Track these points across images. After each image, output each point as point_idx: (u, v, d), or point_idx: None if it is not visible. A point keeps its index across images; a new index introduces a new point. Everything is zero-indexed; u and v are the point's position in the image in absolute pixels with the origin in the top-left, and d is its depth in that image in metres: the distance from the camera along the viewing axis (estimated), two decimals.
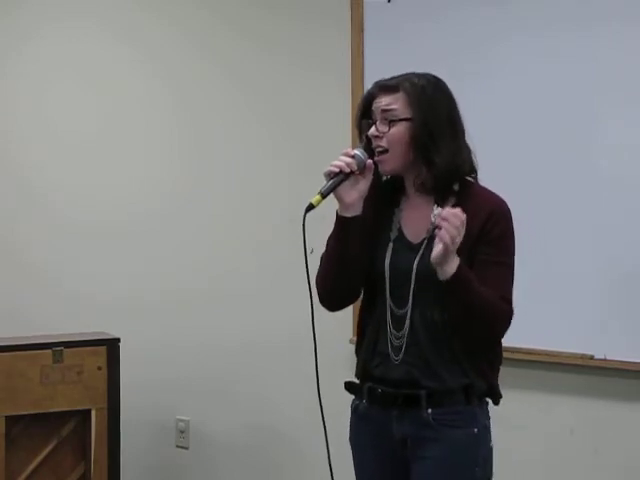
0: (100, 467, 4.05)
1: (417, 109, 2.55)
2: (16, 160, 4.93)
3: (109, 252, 4.69)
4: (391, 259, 2.60)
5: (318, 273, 2.64)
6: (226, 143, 4.41)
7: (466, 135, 2.64)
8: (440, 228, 2.43)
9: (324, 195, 2.52)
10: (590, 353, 3.49)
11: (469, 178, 2.63)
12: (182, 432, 4.55)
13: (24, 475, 4.00)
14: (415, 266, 2.56)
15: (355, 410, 2.71)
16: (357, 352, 2.71)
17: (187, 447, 4.55)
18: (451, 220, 2.41)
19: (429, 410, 2.56)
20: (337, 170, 2.53)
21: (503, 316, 2.57)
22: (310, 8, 4.16)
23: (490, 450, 2.65)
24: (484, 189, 2.62)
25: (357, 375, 2.71)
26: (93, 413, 4.06)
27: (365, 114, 2.62)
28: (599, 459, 3.56)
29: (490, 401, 2.69)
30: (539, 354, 3.59)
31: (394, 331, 2.60)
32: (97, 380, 4.02)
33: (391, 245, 2.61)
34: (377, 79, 3.87)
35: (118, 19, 4.68)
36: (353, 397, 2.71)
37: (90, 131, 4.74)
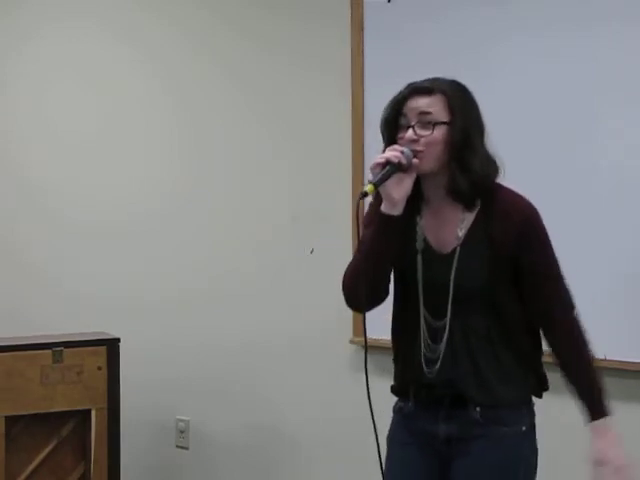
0: (100, 467, 4.06)
1: (455, 112, 2.51)
2: (16, 160, 4.94)
3: (109, 252, 4.69)
4: (424, 272, 2.56)
5: (348, 272, 2.58)
6: (226, 143, 4.41)
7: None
8: None
9: (377, 184, 2.46)
10: None
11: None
12: (182, 432, 4.55)
13: (24, 475, 4.01)
14: (452, 279, 2.52)
15: (399, 410, 2.69)
16: (395, 361, 2.70)
17: (187, 447, 4.56)
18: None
19: (477, 409, 2.56)
20: (384, 162, 2.46)
21: (588, 342, 2.65)
22: (310, 8, 4.16)
23: (535, 449, 2.68)
24: (509, 193, 2.58)
25: (397, 379, 2.70)
26: (93, 413, 4.06)
27: (395, 117, 2.55)
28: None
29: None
30: None
31: (431, 343, 2.58)
32: (97, 380, 4.02)
33: (420, 257, 2.57)
34: (377, 79, 3.92)
35: (118, 19, 4.68)
36: (397, 399, 2.71)
37: (90, 131, 4.75)
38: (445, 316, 2.54)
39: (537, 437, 2.68)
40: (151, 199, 4.61)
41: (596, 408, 2.63)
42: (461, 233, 2.53)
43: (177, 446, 4.56)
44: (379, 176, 2.46)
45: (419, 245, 2.57)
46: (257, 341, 4.31)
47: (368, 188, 2.46)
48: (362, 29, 3.94)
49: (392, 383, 2.71)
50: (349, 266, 2.59)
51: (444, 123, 2.50)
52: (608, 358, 3.46)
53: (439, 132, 2.49)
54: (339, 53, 4.01)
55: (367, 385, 2.55)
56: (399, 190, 2.48)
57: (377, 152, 3.96)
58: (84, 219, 4.74)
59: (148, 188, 4.62)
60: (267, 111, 4.30)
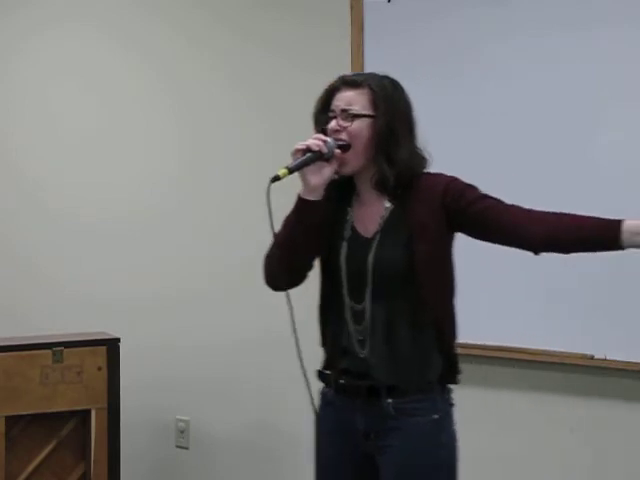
0: (100, 467, 4.05)
1: (380, 106, 2.58)
2: (16, 159, 4.93)
3: (109, 252, 4.68)
4: (347, 256, 2.64)
5: (268, 252, 2.67)
6: (226, 144, 4.41)
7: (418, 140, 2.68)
8: None
9: (291, 170, 2.55)
10: (590, 353, 3.50)
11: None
12: (182, 432, 4.55)
13: (24, 475, 4.00)
14: (371, 263, 2.60)
15: (324, 396, 2.75)
16: (323, 345, 2.76)
17: (187, 447, 4.55)
18: None
19: (389, 400, 2.61)
20: (304, 148, 2.56)
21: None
22: (310, 8, 4.16)
23: (453, 434, 2.69)
24: (431, 173, 2.67)
25: (324, 365, 2.75)
26: (93, 413, 4.05)
27: (325, 108, 2.65)
28: (599, 459, 3.57)
29: (451, 388, 2.73)
30: (539, 354, 3.59)
31: (355, 325, 2.64)
32: (97, 380, 4.02)
33: (345, 243, 2.65)
34: None
35: (117, 19, 4.67)
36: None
37: (90, 131, 4.74)
38: (364, 299, 2.61)
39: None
40: (151, 199, 4.60)
41: (611, 220, 2.54)
42: (382, 219, 2.62)
43: (177, 446, 4.56)
44: (296, 162, 2.56)
45: (346, 233, 2.66)
46: (258, 340, 4.31)
47: (281, 172, 2.55)
48: (362, 29, 3.94)
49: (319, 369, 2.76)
50: (269, 249, 2.67)
51: (366, 116, 2.58)
52: (608, 358, 3.47)
53: (360, 124, 2.58)
54: (339, 53, 4.00)
55: (300, 358, 2.60)
56: (317, 177, 2.57)
57: None
58: (84, 219, 4.74)
59: (148, 188, 4.61)
60: (267, 111, 4.30)
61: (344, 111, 2.60)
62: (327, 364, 2.74)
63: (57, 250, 4.82)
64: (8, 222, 4.95)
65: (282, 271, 2.61)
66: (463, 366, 3.73)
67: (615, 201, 3.45)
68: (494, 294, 3.66)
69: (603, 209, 3.45)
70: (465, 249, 3.73)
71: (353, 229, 2.66)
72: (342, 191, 2.68)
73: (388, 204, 2.62)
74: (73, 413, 4.05)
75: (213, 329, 4.45)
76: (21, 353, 3.95)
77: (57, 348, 3.98)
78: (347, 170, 2.62)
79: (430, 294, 2.61)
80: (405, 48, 3.85)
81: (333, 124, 2.60)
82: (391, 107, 2.59)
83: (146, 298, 4.60)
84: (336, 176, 2.64)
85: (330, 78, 4.09)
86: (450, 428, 2.69)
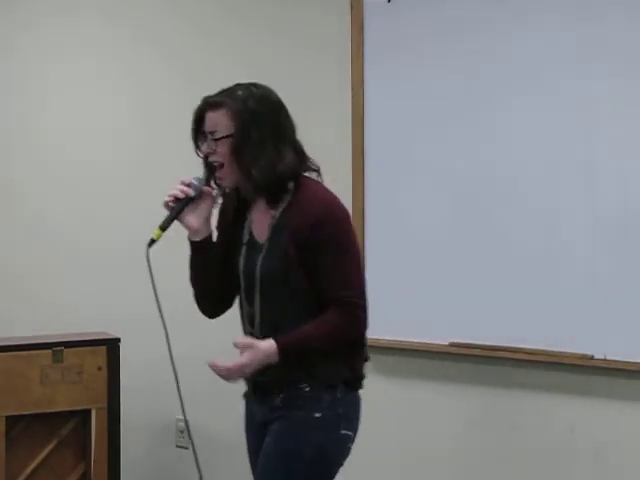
0: (100, 467, 4.06)
1: (238, 124, 2.67)
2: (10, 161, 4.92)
3: (109, 251, 4.68)
4: (244, 260, 2.76)
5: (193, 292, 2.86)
6: None
7: (297, 136, 2.76)
8: None
9: (163, 228, 2.68)
10: (590, 353, 3.49)
11: (310, 175, 2.76)
12: (182, 432, 4.54)
13: (24, 475, 4.01)
14: (259, 266, 2.71)
15: (245, 394, 2.91)
16: None
17: (187, 447, 4.55)
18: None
19: (281, 395, 2.73)
20: (172, 199, 2.69)
21: (349, 328, 2.69)
22: (310, 8, 4.16)
23: (336, 439, 2.72)
24: (310, 190, 2.72)
25: None
26: (93, 413, 4.06)
27: (198, 128, 2.74)
28: (599, 459, 3.56)
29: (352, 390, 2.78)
30: (539, 354, 3.59)
31: (249, 327, 2.79)
32: (97, 380, 4.02)
33: (244, 248, 2.77)
34: (377, 79, 3.92)
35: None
36: None
37: (90, 132, 4.73)
38: (254, 303, 2.74)
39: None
40: (152, 198, 4.59)
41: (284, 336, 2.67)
42: (270, 227, 2.72)
43: (177, 446, 4.56)
44: (165, 219, 2.69)
45: (244, 238, 2.78)
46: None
47: (155, 234, 2.70)
48: (362, 29, 3.94)
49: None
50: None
51: (227, 137, 2.67)
52: (608, 358, 3.47)
53: (224, 146, 2.68)
54: (339, 52, 4.00)
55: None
56: (196, 218, 2.73)
57: (377, 152, 4.00)
58: (85, 220, 4.73)
59: (148, 185, 4.60)
60: None
61: (211, 133, 2.69)
62: None
63: (57, 251, 4.81)
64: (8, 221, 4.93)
65: (212, 303, 2.84)
66: (463, 366, 3.75)
67: (615, 197, 3.45)
68: (494, 294, 3.66)
69: (602, 204, 3.48)
70: (465, 249, 3.74)
71: (251, 234, 2.77)
72: (242, 200, 2.79)
73: (273, 211, 2.71)
74: (73, 413, 4.06)
75: (213, 329, 4.44)
76: (21, 353, 3.95)
77: (57, 348, 3.98)
78: (227, 185, 2.74)
79: (310, 300, 2.68)
80: (405, 48, 3.84)
81: (204, 148, 2.71)
82: (248, 121, 2.67)
83: (146, 297, 4.59)
84: (227, 190, 2.77)
85: (330, 78, 4.13)
86: (333, 432, 2.72)
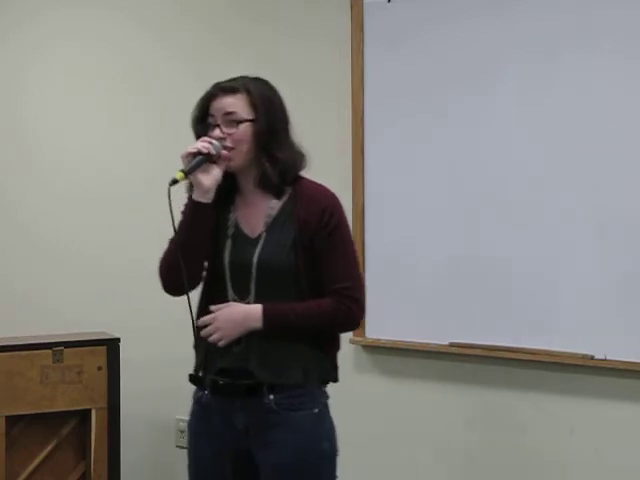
0: (100, 467, 4.06)
1: (260, 109, 2.68)
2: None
3: (109, 252, 4.68)
4: (231, 253, 2.72)
5: (164, 261, 2.75)
6: None
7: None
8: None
9: (187, 172, 2.65)
10: (590, 353, 3.49)
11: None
12: (182, 432, 4.54)
13: (24, 475, 4.01)
14: (255, 259, 2.67)
15: (199, 401, 2.78)
16: (196, 346, 2.77)
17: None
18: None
19: (271, 397, 2.66)
20: (195, 151, 2.64)
21: (339, 319, 2.69)
22: (310, 9, 4.16)
23: (332, 425, 2.75)
24: (313, 183, 2.75)
25: (197, 368, 2.78)
26: (93, 413, 4.06)
27: (203, 115, 2.72)
28: (599, 459, 3.56)
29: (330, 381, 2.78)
30: (539, 354, 3.59)
31: None
32: (97, 380, 4.02)
33: (229, 241, 2.73)
34: (377, 79, 3.92)
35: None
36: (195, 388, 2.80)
37: (92, 134, 4.73)
38: (249, 295, 2.68)
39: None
40: (153, 198, 4.59)
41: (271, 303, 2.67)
42: (269, 219, 2.70)
43: (177, 446, 4.56)
44: (190, 165, 2.65)
45: (230, 231, 2.74)
46: None
47: (178, 175, 2.65)
48: (362, 29, 3.94)
49: (191, 372, 2.79)
50: (164, 254, 2.75)
51: (248, 120, 2.67)
52: (608, 358, 3.47)
53: (244, 129, 2.67)
54: (339, 53, 4.00)
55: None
56: (209, 179, 2.67)
57: (377, 151, 4.00)
58: (85, 219, 4.73)
59: (149, 186, 4.60)
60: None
61: (227, 116, 2.67)
62: (200, 366, 2.77)
63: (58, 250, 4.81)
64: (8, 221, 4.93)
65: (180, 275, 2.66)
66: (463, 366, 3.75)
67: (615, 198, 3.46)
68: (494, 294, 3.66)
69: (602, 204, 3.48)
70: (465, 249, 3.74)
71: (237, 227, 2.74)
72: (224, 192, 2.74)
73: (276, 202, 2.70)
74: (73, 413, 4.06)
75: None
76: (21, 353, 3.95)
77: (57, 348, 3.98)
78: (233, 165, 2.70)
79: (311, 292, 2.68)
80: (405, 48, 3.85)
81: (217, 132, 2.68)
82: (269, 108, 2.70)
83: (146, 297, 4.58)
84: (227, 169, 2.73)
85: (330, 78, 4.13)
86: (329, 420, 2.75)
